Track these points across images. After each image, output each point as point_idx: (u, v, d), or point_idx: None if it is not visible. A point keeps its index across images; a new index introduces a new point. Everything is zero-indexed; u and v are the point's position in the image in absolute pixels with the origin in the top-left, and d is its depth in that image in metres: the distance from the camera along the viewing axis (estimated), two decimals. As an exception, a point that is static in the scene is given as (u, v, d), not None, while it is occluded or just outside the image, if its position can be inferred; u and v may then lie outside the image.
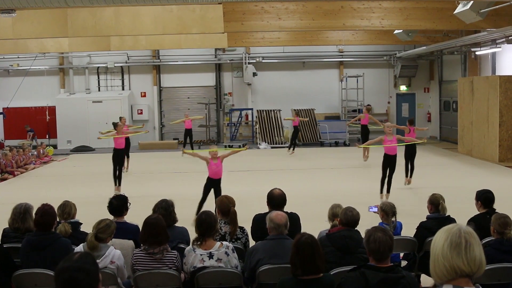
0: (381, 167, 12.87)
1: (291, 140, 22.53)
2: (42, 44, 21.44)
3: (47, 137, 27.76)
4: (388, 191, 12.89)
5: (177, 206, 6.90)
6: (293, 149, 22.38)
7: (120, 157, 14.99)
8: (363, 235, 4.68)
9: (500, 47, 20.55)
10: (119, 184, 14.79)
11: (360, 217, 6.12)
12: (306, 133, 26.58)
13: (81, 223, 6.86)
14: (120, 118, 19.05)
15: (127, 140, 17.45)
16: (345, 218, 6.04)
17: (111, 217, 6.61)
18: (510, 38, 19.29)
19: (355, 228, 6.00)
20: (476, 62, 24.04)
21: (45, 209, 6.02)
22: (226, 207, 6.60)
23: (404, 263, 7.25)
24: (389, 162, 12.72)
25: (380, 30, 22.16)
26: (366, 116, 20.20)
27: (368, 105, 22.38)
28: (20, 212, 6.53)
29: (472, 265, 2.78)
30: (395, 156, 12.63)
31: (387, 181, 12.80)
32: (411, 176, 14.58)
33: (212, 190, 11.05)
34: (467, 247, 2.78)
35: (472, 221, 6.94)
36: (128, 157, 18.33)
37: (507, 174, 16.82)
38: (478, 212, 7.22)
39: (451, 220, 7.02)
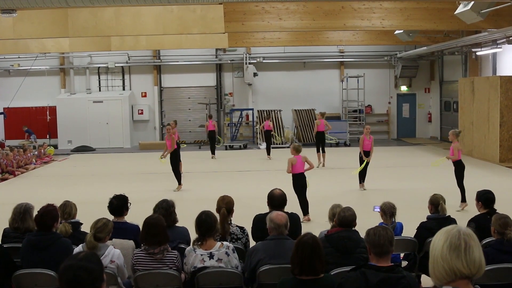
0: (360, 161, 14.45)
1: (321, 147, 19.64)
2: (42, 44, 21.45)
3: (47, 137, 27.75)
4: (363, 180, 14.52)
5: (178, 206, 6.91)
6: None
7: (172, 157, 15.34)
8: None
9: (500, 48, 20.54)
10: (179, 183, 15.36)
11: (359, 217, 6.12)
12: (306, 133, 26.57)
13: (81, 223, 6.86)
14: (174, 121, 18.83)
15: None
16: (338, 219, 6.04)
17: (111, 217, 6.62)
18: (510, 38, 19.27)
19: (354, 229, 6.00)
20: (476, 62, 24.03)
21: (48, 209, 6.01)
22: (218, 207, 6.62)
23: (404, 263, 7.25)
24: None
25: (381, 30, 22.15)
26: (321, 123, 19.46)
27: (323, 112, 20.61)
28: (20, 212, 6.54)
29: (472, 267, 2.77)
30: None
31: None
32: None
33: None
34: (467, 249, 2.77)
35: (473, 222, 6.95)
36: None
37: (508, 175, 16.81)
38: (479, 213, 7.22)
39: (451, 221, 7.02)
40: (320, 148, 19.17)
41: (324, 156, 19.05)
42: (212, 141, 22.33)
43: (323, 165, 18.81)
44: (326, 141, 20.19)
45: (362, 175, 14.52)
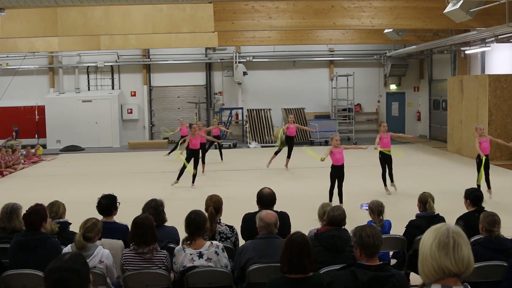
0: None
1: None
2: (31, 43, 21.35)
3: (36, 136, 27.60)
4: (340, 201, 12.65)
5: (167, 206, 6.89)
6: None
7: (192, 156, 15.64)
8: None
9: (489, 46, 20.64)
10: (178, 179, 15.53)
11: (347, 216, 6.12)
12: (297, 132, 26.55)
13: (70, 223, 6.83)
14: (196, 122, 18.76)
15: (204, 145, 17.42)
16: (328, 218, 6.05)
17: (100, 217, 6.59)
18: (499, 37, 19.38)
19: (343, 227, 6.01)
20: (465, 61, 24.15)
21: (36, 208, 5.96)
22: (206, 206, 6.62)
23: (393, 261, 7.28)
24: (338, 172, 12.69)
25: (370, 29, 22.19)
26: (294, 128, 18.52)
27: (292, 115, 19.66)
28: (7, 212, 6.49)
29: (460, 265, 2.78)
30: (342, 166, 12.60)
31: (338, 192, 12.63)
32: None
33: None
34: (455, 247, 2.78)
35: (461, 219, 6.98)
36: (203, 162, 17.66)
37: (496, 173, 16.88)
38: (467, 210, 7.26)
39: (440, 219, 7.06)
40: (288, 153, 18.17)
41: (288, 161, 18.08)
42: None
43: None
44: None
45: (385, 177, 14.04)
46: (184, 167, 15.42)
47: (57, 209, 6.79)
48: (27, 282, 5.52)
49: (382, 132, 14.15)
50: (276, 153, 18.12)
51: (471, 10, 15.28)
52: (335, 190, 12.38)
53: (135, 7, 16.27)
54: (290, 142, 18.29)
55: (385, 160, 13.95)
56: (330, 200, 12.34)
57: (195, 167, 15.62)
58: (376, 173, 14.39)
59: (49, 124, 27.21)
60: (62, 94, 27.94)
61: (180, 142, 19.31)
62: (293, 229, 6.17)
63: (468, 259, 2.80)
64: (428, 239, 2.85)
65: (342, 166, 12.45)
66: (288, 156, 18.02)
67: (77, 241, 5.54)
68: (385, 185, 14.00)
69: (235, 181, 16.16)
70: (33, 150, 23.29)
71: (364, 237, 4.33)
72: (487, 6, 15.89)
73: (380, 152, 13.89)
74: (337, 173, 12.44)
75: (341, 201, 12.32)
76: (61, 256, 3.15)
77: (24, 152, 22.51)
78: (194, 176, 15.48)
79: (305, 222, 7.73)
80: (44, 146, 26.27)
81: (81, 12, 16.22)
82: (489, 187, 12.81)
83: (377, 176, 14.23)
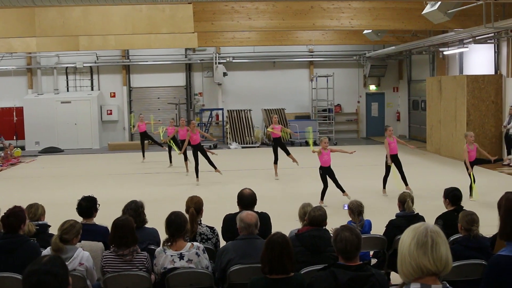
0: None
1: None
2: (9, 43, 21.10)
3: (14, 138, 27.30)
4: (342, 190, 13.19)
5: (147, 207, 6.87)
6: None
7: (197, 151, 16.45)
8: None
9: (467, 47, 20.87)
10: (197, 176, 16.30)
11: (328, 216, 6.15)
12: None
13: (49, 226, 6.77)
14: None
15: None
16: (309, 218, 6.07)
17: (80, 219, 6.55)
18: (476, 38, 19.62)
19: (324, 227, 6.03)
20: (444, 61, 24.36)
21: (14, 211, 5.89)
22: (187, 207, 6.61)
23: (374, 261, 7.32)
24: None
25: (350, 30, 22.32)
26: (279, 128, 17.04)
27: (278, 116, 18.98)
28: (-17, 214, 6.42)
29: (438, 264, 2.81)
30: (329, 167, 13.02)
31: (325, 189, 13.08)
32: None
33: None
34: (433, 246, 2.81)
35: (440, 219, 7.04)
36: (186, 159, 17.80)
37: (475, 172, 17.04)
38: (446, 210, 7.33)
39: (419, 218, 7.12)
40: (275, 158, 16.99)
41: (292, 157, 16.66)
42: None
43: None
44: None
45: (386, 180, 13.93)
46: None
47: (35, 211, 6.73)
48: (5, 285, 5.45)
49: (388, 137, 13.92)
50: (276, 162, 16.98)
51: (449, 11, 15.44)
52: (329, 189, 12.68)
53: (114, 7, 16.17)
54: (280, 144, 16.94)
55: (394, 163, 13.78)
56: (322, 199, 12.77)
57: (207, 158, 16.34)
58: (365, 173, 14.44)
59: (28, 126, 26.93)
60: (41, 95, 27.67)
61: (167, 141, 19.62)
62: (274, 230, 6.18)
63: (446, 258, 2.83)
64: (406, 238, 2.88)
65: (329, 167, 12.90)
66: (288, 154, 16.70)
67: (53, 243, 5.49)
68: (384, 187, 13.93)
69: (216, 182, 16.14)
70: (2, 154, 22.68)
71: (338, 241, 4.36)
72: (464, 7, 16.07)
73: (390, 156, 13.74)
74: (326, 173, 12.93)
75: (343, 192, 13.00)
76: (39, 259, 3.12)
77: (2, 154, 22.25)
78: (214, 167, 16.26)
79: (286, 223, 7.74)
80: (22, 148, 26.01)
81: (59, 12, 16.07)
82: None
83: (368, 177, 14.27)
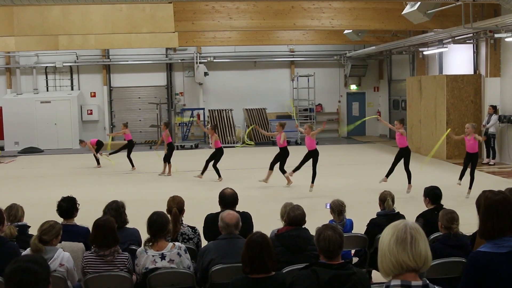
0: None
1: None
2: (-13, 43, 20.90)
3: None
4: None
5: (128, 207, 6.83)
6: None
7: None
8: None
9: (446, 47, 21.05)
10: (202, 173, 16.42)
11: (306, 215, 6.15)
12: (257, 132, 26.61)
13: (29, 226, 6.71)
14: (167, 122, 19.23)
15: (170, 145, 17.80)
16: (288, 218, 6.07)
17: (61, 219, 6.50)
18: (456, 38, 19.79)
19: (303, 226, 6.04)
20: (423, 61, 24.56)
21: (-9, 212, 5.86)
22: (169, 207, 6.59)
23: (355, 260, 7.36)
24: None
25: (330, 30, 22.41)
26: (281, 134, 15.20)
27: (282, 122, 15.88)
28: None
29: (418, 260, 2.84)
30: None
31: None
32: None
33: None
34: (413, 243, 2.84)
35: (421, 217, 7.10)
36: (169, 163, 17.67)
37: (454, 171, 17.17)
38: (427, 208, 7.39)
39: (400, 217, 7.16)
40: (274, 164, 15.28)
41: (269, 173, 15.18)
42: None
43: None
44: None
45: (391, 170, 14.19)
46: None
47: (15, 212, 6.66)
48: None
49: (397, 129, 14.10)
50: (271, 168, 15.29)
51: (428, 11, 15.57)
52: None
53: (94, 6, 16.08)
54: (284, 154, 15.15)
55: (401, 156, 14.13)
56: (297, 169, 14.28)
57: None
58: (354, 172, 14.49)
59: (7, 126, 26.64)
60: (20, 95, 27.40)
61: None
62: (256, 229, 6.18)
63: (425, 254, 2.86)
64: (386, 235, 2.92)
65: (314, 151, 14.08)
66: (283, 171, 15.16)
67: (32, 243, 5.44)
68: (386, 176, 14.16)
69: (198, 182, 16.10)
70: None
71: (320, 240, 4.37)
72: (443, 8, 16.22)
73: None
74: (310, 156, 14.14)
75: (312, 181, 13.81)
76: (21, 257, 3.11)
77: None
78: (217, 170, 16.33)
79: (268, 222, 7.75)
80: (1, 148, 25.76)
81: (38, 11, 15.93)
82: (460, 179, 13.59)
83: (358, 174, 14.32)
